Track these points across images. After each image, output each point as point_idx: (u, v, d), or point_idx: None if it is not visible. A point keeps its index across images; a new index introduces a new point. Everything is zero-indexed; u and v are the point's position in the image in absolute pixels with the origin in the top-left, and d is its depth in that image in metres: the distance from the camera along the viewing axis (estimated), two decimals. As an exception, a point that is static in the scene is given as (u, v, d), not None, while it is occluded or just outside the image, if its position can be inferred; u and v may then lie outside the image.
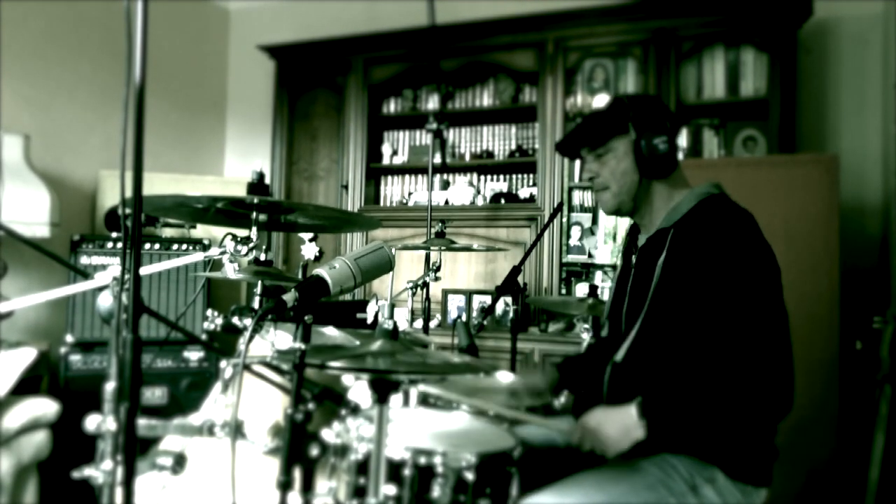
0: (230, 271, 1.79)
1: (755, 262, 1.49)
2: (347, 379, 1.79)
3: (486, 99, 4.18)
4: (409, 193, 4.32)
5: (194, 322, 3.44)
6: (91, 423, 1.10)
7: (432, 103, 4.25)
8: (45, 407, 2.79)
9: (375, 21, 4.34)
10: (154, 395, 3.37)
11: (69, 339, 3.29)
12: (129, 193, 1.05)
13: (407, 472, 1.32)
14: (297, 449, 1.21)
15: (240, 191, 1.78)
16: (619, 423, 1.46)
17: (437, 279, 2.71)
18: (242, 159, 4.97)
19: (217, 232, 3.19)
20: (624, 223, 3.58)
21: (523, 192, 4.02)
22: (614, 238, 3.65)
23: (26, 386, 2.90)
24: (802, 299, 2.84)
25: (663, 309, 1.58)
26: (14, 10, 3.48)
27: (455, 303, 3.90)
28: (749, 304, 1.45)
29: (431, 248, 2.78)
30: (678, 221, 1.62)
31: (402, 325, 2.58)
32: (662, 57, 3.57)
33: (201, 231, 3.81)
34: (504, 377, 1.90)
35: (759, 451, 1.55)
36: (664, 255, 1.59)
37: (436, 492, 1.31)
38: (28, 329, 3.54)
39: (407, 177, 4.37)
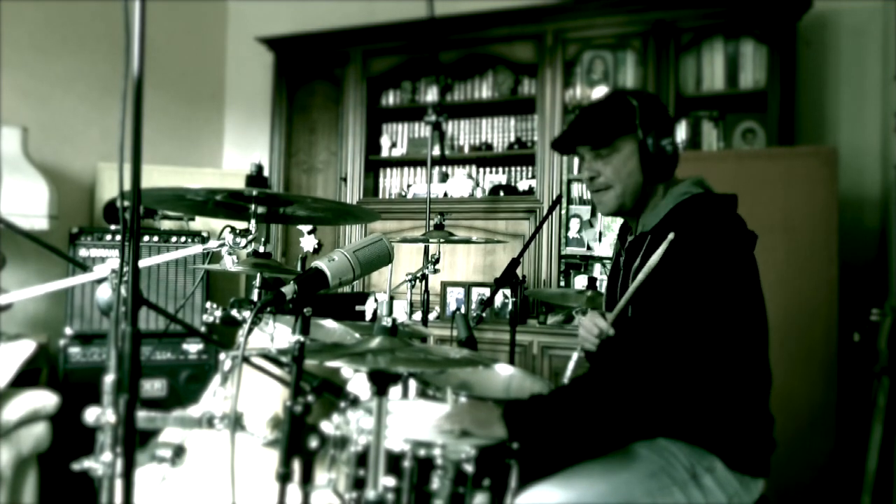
0: (229, 264, 1.79)
1: (716, 274, 1.47)
2: (346, 371, 1.79)
3: (484, 91, 4.17)
4: (408, 186, 4.31)
5: (193, 314, 3.44)
6: (90, 415, 1.10)
7: (431, 95, 4.24)
8: (44, 399, 2.79)
9: (374, 13, 4.32)
10: (153, 387, 3.38)
11: (68, 331, 3.29)
12: (127, 186, 1.05)
13: (406, 463, 1.32)
14: (297, 441, 1.22)
15: (238, 183, 1.78)
16: (484, 417, 1.45)
17: (435, 271, 2.71)
18: (241, 151, 4.96)
19: (216, 224, 3.19)
20: (623, 215, 3.58)
21: (522, 185, 4.01)
22: (613, 231, 3.65)
23: (25, 378, 2.91)
24: (801, 291, 2.85)
25: (634, 313, 1.59)
26: (13, 2, 3.47)
27: (454, 295, 3.90)
28: (705, 317, 1.44)
29: (430, 240, 2.78)
30: (655, 227, 1.62)
31: (401, 318, 2.59)
32: (662, 49, 3.56)
33: (200, 223, 3.81)
34: (503, 370, 1.91)
35: (757, 441, 1.56)
36: (638, 261, 1.61)
37: (435, 484, 1.31)
38: (27, 321, 3.54)
39: (406, 169, 4.36)
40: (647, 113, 1.63)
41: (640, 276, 1.56)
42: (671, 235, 1.52)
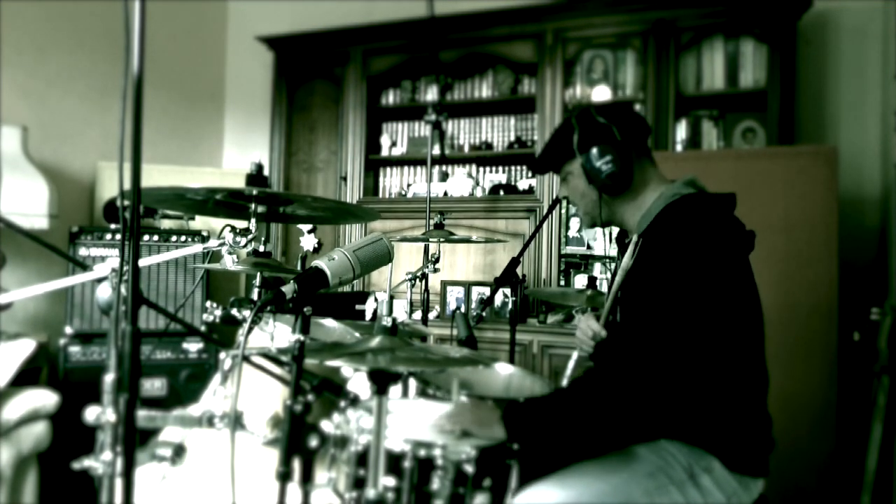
0: (229, 263, 1.79)
1: (703, 275, 1.46)
2: (346, 370, 1.79)
3: (484, 90, 4.17)
4: (408, 185, 4.31)
5: (193, 313, 3.44)
6: (90, 414, 1.10)
7: (431, 94, 4.24)
8: (44, 398, 2.79)
9: (374, 12, 4.32)
10: (153, 386, 3.38)
11: (68, 330, 3.29)
12: (127, 185, 1.05)
13: (407, 463, 1.32)
14: (297, 440, 1.22)
15: (238, 182, 1.78)
16: (484, 417, 1.45)
17: (435, 271, 2.71)
18: (241, 151, 4.96)
19: (216, 223, 3.19)
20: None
21: (522, 184, 4.01)
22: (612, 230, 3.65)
23: (26, 377, 2.91)
24: (801, 291, 2.85)
25: (624, 314, 1.62)
26: (13, 2, 3.46)
27: (454, 294, 3.90)
28: (694, 318, 1.44)
29: (430, 239, 2.78)
30: (646, 229, 1.63)
31: (401, 317, 2.59)
32: (662, 48, 3.56)
33: (200, 223, 3.80)
34: (503, 369, 1.91)
35: (754, 441, 1.56)
36: (631, 263, 1.61)
37: (435, 484, 1.31)
38: (27, 321, 3.54)
39: (406, 168, 4.36)
40: (584, 134, 1.66)
41: (617, 279, 1.60)
42: (635, 237, 1.59)
